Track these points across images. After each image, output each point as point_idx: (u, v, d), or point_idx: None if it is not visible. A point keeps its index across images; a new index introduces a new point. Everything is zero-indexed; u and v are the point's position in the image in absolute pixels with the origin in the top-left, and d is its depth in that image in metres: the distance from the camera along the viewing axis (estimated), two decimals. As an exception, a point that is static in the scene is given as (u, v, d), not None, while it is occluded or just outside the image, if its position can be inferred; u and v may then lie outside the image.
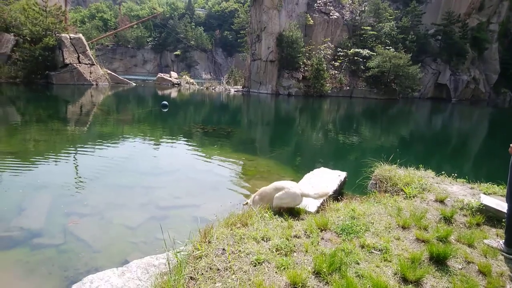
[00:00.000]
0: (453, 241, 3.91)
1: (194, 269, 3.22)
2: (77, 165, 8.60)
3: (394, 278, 3.17)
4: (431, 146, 14.58)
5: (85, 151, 10.18)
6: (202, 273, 3.17)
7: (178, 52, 72.17)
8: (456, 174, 5.99)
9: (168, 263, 3.26)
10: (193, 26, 72.81)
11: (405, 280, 3.15)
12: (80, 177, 7.57)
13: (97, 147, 10.71)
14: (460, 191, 5.40)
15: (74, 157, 9.43)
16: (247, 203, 4.84)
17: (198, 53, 72.13)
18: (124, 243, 4.71)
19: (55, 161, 8.80)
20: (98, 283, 3.19)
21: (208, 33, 74.65)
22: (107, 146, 10.90)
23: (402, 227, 4.17)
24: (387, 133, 17.66)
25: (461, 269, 3.43)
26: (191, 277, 3.14)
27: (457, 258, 3.58)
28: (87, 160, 9.07)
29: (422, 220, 4.27)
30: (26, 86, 26.57)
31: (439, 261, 3.45)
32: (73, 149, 10.30)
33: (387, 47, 36.36)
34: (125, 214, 5.62)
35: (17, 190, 6.48)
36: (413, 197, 5.16)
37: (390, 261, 3.44)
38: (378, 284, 2.92)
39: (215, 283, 3.04)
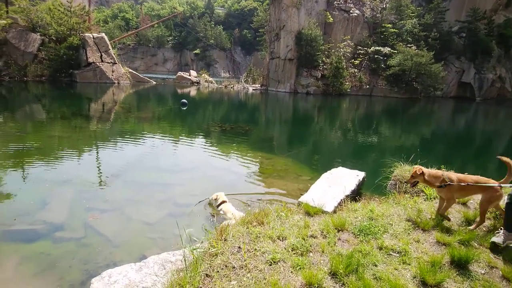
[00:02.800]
0: (476, 245, 3.78)
1: (210, 267, 3.25)
2: (99, 162, 8.83)
3: (413, 282, 3.09)
4: (454, 147, 14.15)
5: (106, 148, 10.45)
6: (218, 271, 3.19)
7: (197, 51, 72.85)
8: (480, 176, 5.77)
9: (185, 260, 3.29)
10: (213, 25, 73.32)
11: (424, 283, 3.07)
12: (101, 173, 7.76)
13: (118, 144, 10.96)
14: (484, 194, 5.21)
15: (96, 153, 9.68)
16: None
17: (217, 51, 72.61)
18: (142, 238, 4.80)
19: (79, 157, 9.06)
20: (117, 278, 3.26)
21: (227, 32, 75.00)
22: (128, 144, 11.12)
23: (422, 229, 4.07)
24: (408, 133, 17.25)
25: (483, 274, 3.31)
26: (206, 274, 3.16)
27: (480, 262, 3.46)
28: (108, 157, 9.31)
29: (444, 222, 4.15)
30: (52, 84, 27.45)
31: (461, 265, 3.35)
32: (95, 145, 10.57)
33: (408, 45, 35.47)
34: (144, 210, 5.72)
35: (43, 184, 6.72)
36: (434, 198, 5.02)
37: (409, 264, 3.37)
38: (396, 287, 2.86)
39: (230, 281, 3.06)
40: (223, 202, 5.50)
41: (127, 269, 3.42)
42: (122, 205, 5.91)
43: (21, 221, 5.09)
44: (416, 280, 3.11)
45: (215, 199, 5.61)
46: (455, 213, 4.55)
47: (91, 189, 6.65)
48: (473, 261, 3.40)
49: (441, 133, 18.12)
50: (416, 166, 4.44)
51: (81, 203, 5.92)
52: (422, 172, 4.23)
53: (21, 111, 16.42)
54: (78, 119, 15.45)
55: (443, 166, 5.64)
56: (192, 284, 2.99)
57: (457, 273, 3.26)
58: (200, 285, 3.01)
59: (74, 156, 9.18)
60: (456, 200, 4.40)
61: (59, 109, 18.07)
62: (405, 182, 4.03)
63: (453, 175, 4.19)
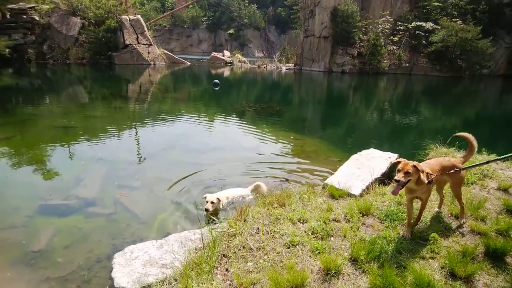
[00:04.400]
0: (516, 235, 3.47)
1: (227, 247, 3.24)
2: (133, 141, 9.12)
3: (441, 272, 2.90)
4: (499, 129, 13.09)
5: (142, 127, 10.79)
6: (235, 251, 3.18)
7: (231, 31, 72.40)
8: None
9: (202, 240, 3.31)
10: (246, 4, 72.19)
11: (453, 275, 2.87)
12: (135, 152, 8.02)
13: (153, 124, 11.29)
14: (531, 180, 4.77)
15: (132, 133, 10.00)
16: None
17: (251, 31, 71.71)
18: (167, 216, 4.90)
19: (115, 137, 9.44)
20: (138, 254, 3.35)
21: (261, 11, 73.61)
22: (162, 124, 11.42)
23: (455, 216, 3.80)
24: (449, 114, 16.19)
25: (522, 267, 3.03)
26: (223, 255, 3.16)
27: (519, 255, 3.17)
28: (143, 136, 9.62)
29: (480, 210, 3.85)
30: (92, 66, 28.56)
31: (496, 257, 3.09)
32: (132, 125, 10.93)
33: (453, 19, 32.79)
34: (172, 189, 5.83)
35: (79, 162, 7.08)
36: (472, 184, 4.67)
37: (438, 253, 3.16)
38: (420, 277, 2.69)
39: (247, 262, 3.03)
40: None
41: (148, 246, 3.50)
42: (152, 183, 6.07)
43: (56, 196, 5.39)
44: (444, 271, 2.92)
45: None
46: (494, 200, 4.20)
47: (123, 167, 6.90)
48: (511, 253, 3.13)
49: (486, 114, 16.85)
50: (404, 160, 3.28)
51: (112, 180, 6.15)
52: (422, 169, 3.21)
53: (64, 93, 17.29)
54: (117, 100, 16.02)
55: (484, 149, 5.22)
56: (208, 264, 3.00)
57: (491, 265, 3.01)
58: (216, 265, 3.02)
59: (111, 135, 9.58)
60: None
61: (99, 91, 18.85)
62: (397, 180, 3.11)
63: (422, 165, 3.33)
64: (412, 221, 3.52)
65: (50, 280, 3.54)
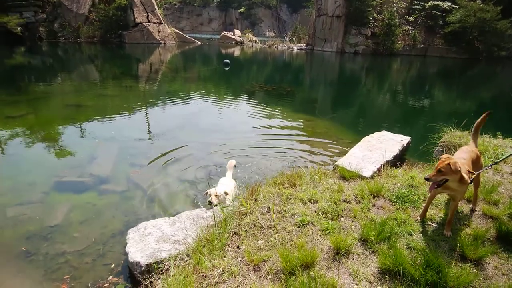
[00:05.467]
0: (530, 220, 3.44)
1: (239, 225, 3.29)
2: (145, 120, 9.19)
3: (451, 254, 2.90)
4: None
5: (153, 107, 10.89)
6: (246, 229, 3.22)
7: (242, 10, 70.93)
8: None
9: (214, 217, 3.36)
10: (258, -19, 70.40)
11: (463, 257, 2.87)
12: (146, 131, 8.10)
13: (164, 103, 11.37)
14: (547, 165, 4.68)
15: (142, 112, 10.07)
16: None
17: (262, 10, 70.19)
18: (179, 194, 4.98)
19: (127, 116, 9.54)
20: (151, 230, 3.43)
21: (273, -12, 71.76)
22: (173, 103, 11.47)
23: (467, 200, 3.77)
24: (464, 97, 15.82)
25: (534, 251, 3.02)
26: (235, 232, 3.21)
27: (532, 239, 3.15)
28: (154, 116, 9.71)
29: (493, 194, 3.81)
30: (102, 45, 28.53)
31: (508, 241, 3.08)
32: (143, 105, 10.99)
33: (472, -1, 31.48)
34: (183, 167, 5.90)
35: (93, 140, 7.20)
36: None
37: (449, 236, 3.15)
38: (430, 259, 2.69)
39: (258, 240, 3.08)
40: None
41: (161, 222, 3.58)
42: (163, 161, 6.14)
43: (71, 173, 5.51)
44: (454, 253, 2.92)
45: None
46: (508, 184, 4.14)
47: (135, 145, 6.99)
48: (524, 237, 3.11)
49: (503, 98, 16.39)
50: (445, 155, 3.04)
51: (125, 158, 6.25)
52: (458, 168, 2.83)
53: (76, 71, 17.38)
54: (128, 79, 16.07)
55: (499, 133, 5.11)
56: (220, 241, 3.06)
57: (503, 249, 3.01)
58: (228, 242, 3.08)
59: (122, 114, 9.67)
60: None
61: (110, 70, 18.90)
62: (426, 179, 2.92)
63: (460, 161, 3.00)
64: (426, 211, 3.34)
65: (66, 253, 3.66)
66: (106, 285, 3.21)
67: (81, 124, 8.34)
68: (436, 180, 2.91)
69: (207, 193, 4.15)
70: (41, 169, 5.75)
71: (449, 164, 2.84)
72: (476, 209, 3.61)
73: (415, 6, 33.71)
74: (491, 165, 3.45)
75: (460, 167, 2.87)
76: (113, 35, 30.45)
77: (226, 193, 4.16)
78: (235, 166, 5.12)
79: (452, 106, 13.55)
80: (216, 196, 4.02)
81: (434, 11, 32.96)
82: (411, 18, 33.59)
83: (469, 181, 2.95)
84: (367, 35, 33.00)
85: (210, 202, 4.00)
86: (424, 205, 3.44)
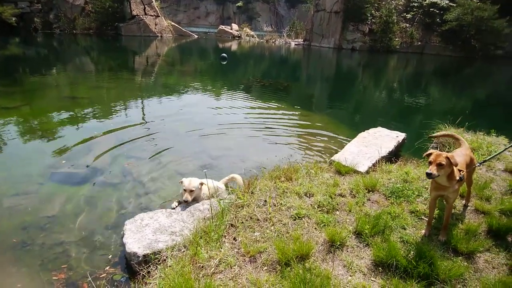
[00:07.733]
0: (520, 215, 3.51)
1: (235, 217, 3.33)
2: (141, 113, 9.17)
3: (443, 248, 2.97)
4: (510, 111, 12.91)
5: (149, 100, 10.84)
6: (242, 222, 3.27)
7: (240, 4, 70.47)
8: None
9: (211, 209, 3.39)
10: (256, -25, 69.95)
11: (455, 251, 2.94)
12: (142, 124, 8.08)
13: (160, 96, 11.31)
14: (539, 162, 4.76)
15: (138, 104, 10.05)
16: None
17: (260, 4, 69.80)
18: (176, 186, 5.00)
19: (122, 107, 9.52)
20: (148, 221, 3.46)
21: (271, -18, 71.36)
22: (170, 96, 11.43)
23: (460, 196, 3.83)
24: (459, 95, 15.92)
25: (523, 246, 3.09)
26: (231, 224, 3.25)
27: (522, 234, 3.22)
28: (150, 109, 9.69)
29: (485, 190, 3.88)
30: (98, 37, 28.24)
31: (499, 236, 3.15)
32: (139, 97, 10.96)
33: (469, -3, 31.50)
34: (179, 160, 5.93)
35: (88, 132, 7.16)
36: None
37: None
38: (423, 252, 2.76)
39: (254, 232, 3.12)
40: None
41: (158, 214, 3.61)
42: (159, 154, 6.15)
43: (67, 164, 5.51)
44: (446, 247, 2.98)
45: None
46: (500, 181, 4.22)
47: (132, 137, 6.96)
48: (514, 232, 3.18)
49: (496, 96, 16.53)
50: (436, 151, 2.96)
51: (122, 150, 6.25)
52: (455, 162, 2.82)
53: (71, 63, 17.23)
54: (124, 71, 15.97)
55: (493, 130, 5.18)
56: (217, 232, 3.10)
57: (493, 243, 3.08)
58: (224, 234, 3.12)
59: (118, 106, 9.64)
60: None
61: (106, 62, 18.76)
62: (428, 174, 2.76)
63: (453, 156, 2.90)
64: (432, 221, 3.21)
65: (64, 244, 3.68)
66: (103, 275, 3.24)
67: (77, 116, 8.30)
68: (439, 175, 2.80)
69: (182, 182, 3.92)
70: (36, 161, 5.73)
71: (447, 157, 2.80)
72: (469, 205, 3.68)
73: (413, 4, 33.69)
74: (480, 163, 3.45)
75: (456, 161, 2.83)
76: (109, 27, 30.13)
77: (201, 184, 3.90)
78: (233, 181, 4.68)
79: (448, 103, 13.64)
80: (191, 191, 3.81)
81: (431, 9, 32.98)
82: (408, 16, 33.62)
83: (457, 178, 2.92)
84: (364, 31, 33.00)
85: (182, 202, 3.87)
86: (426, 220, 3.27)
